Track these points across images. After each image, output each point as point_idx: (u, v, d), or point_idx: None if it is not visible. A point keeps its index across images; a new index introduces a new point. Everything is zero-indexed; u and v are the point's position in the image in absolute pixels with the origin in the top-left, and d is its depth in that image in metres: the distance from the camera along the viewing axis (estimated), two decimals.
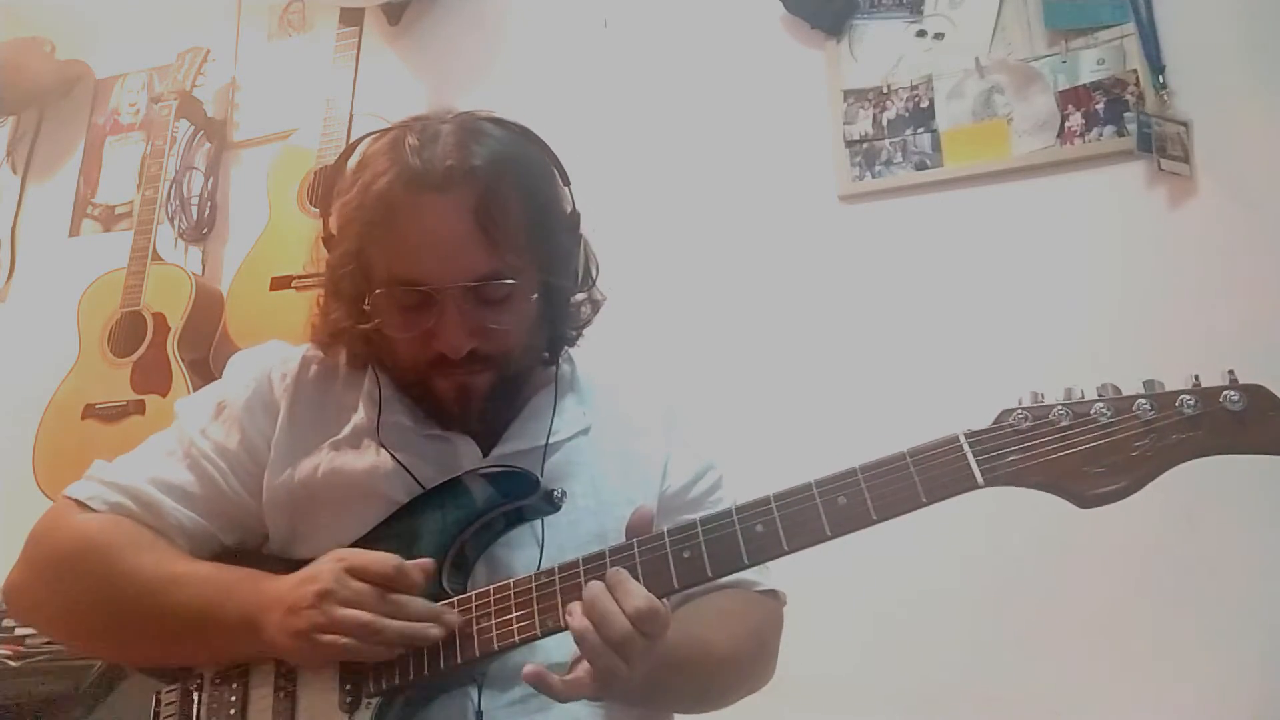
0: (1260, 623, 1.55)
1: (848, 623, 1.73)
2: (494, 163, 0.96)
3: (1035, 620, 1.66)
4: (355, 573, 0.88)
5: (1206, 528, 1.59)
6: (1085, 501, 0.78)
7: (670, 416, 1.14)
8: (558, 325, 1.07)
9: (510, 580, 0.90)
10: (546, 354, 1.10)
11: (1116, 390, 0.79)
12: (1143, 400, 0.77)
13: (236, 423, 1.04)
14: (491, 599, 0.89)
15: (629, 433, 1.10)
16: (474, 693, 0.92)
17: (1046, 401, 0.81)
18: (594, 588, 0.83)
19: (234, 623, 0.92)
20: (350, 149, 1.04)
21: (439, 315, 0.95)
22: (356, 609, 0.86)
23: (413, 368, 1.00)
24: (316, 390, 1.07)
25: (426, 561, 0.90)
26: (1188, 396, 0.76)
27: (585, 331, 1.12)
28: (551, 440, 1.04)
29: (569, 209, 1.05)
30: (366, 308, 0.98)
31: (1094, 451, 0.78)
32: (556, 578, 0.87)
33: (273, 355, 1.11)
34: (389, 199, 0.95)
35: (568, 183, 1.04)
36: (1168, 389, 0.78)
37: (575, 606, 0.84)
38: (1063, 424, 0.79)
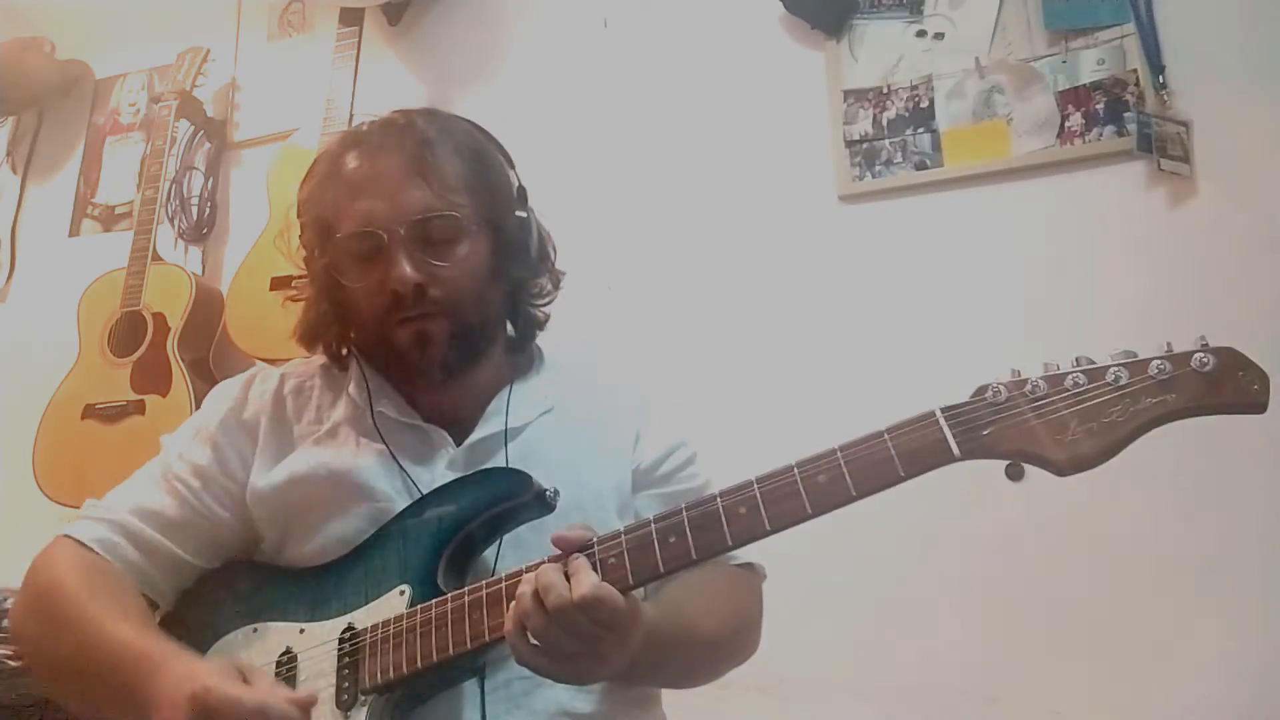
0: (1260, 622, 1.55)
1: (847, 623, 1.73)
2: (435, 127, 1.06)
3: (1035, 619, 1.66)
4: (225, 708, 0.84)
5: (1206, 527, 1.59)
6: (1062, 468, 0.78)
7: (644, 403, 1.17)
8: (517, 295, 1.12)
9: (502, 573, 0.91)
10: (514, 332, 1.14)
11: (1090, 361, 0.80)
12: (1116, 367, 0.78)
13: (210, 440, 1.07)
14: (484, 592, 0.90)
15: (598, 411, 1.13)
16: (474, 683, 0.93)
17: (1024, 376, 0.82)
18: (547, 566, 0.85)
19: (126, 699, 0.92)
20: (317, 160, 1.10)
21: (388, 256, 1.00)
22: None
23: (374, 320, 1.04)
24: (296, 398, 1.11)
25: (307, 698, 0.88)
26: (1159, 361, 0.77)
27: (551, 310, 1.16)
28: (513, 425, 1.06)
29: (514, 183, 1.11)
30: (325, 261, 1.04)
31: (1068, 418, 0.78)
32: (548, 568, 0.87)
33: (250, 376, 1.15)
34: (332, 160, 1.05)
35: (512, 164, 1.12)
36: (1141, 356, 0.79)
37: (530, 575, 0.85)
38: (1037, 395, 0.80)
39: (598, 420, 1.12)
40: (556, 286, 1.16)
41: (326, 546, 1.01)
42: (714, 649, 1.05)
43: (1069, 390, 0.79)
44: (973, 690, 1.66)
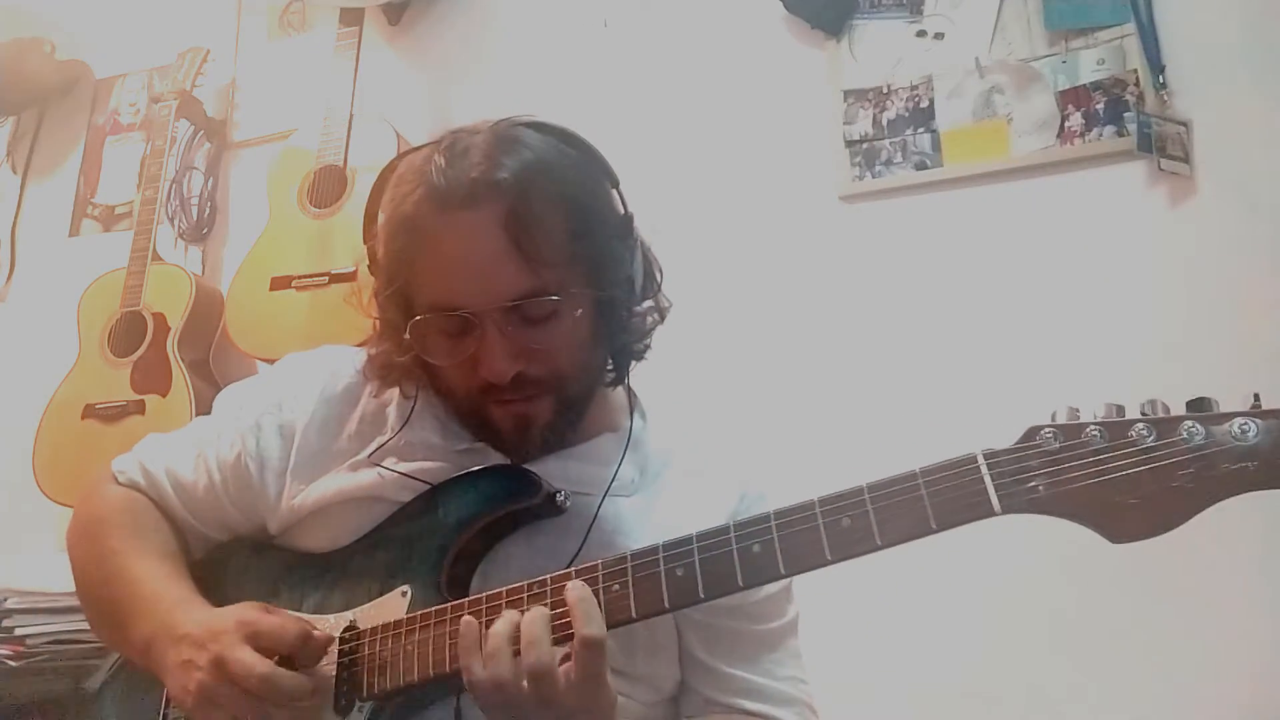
0: (1261, 622, 1.55)
1: (847, 623, 1.73)
2: (524, 172, 0.90)
3: (1039, 620, 1.66)
4: (255, 639, 0.85)
5: (1206, 527, 1.59)
6: (1116, 537, 0.69)
7: (745, 506, 1.02)
8: (618, 339, 1.01)
9: (503, 588, 0.87)
10: (611, 371, 1.04)
11: (1165, 409, 0.69)
12: (1189, 423, 0.67)
13: (241, 439, 1.05)
14: (484, 605, 0.87)
15: (677, 521, 0.98)
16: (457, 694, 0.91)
17: (1082, 419, 0.71)
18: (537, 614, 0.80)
19: (139, 641, 0.93)
20: (391, 167, 0.98)
21: (480, 340, 0.90)
22: (244, 682, 0.83)
23: (466, 397, 0.96)
24: (344, 403, 1.06)
25: (324, 636, 0.90)
26: (1243, 420, 0.65)
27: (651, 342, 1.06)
28: (593, 493, 0.97)
29: (619, 212, 0.99)
30: (407, 337, 0.95)
31: (1129, 480, 0.68)
32: (549, 588, 0.84)
33: (312, 371, 1.09)
34: (415, 221, 0.91)
35: (616, 184, 0.99)
36: (1224, 409, 0.67)
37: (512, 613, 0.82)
38: (1096, 446, 0.69)
39: (670, 529, 0.99)
40: (662, 318, 1.06)
41: (340, 540, 1.00)
42: None
43: (1134, 444, 0.68)
44: (975, 691, 1.66)
